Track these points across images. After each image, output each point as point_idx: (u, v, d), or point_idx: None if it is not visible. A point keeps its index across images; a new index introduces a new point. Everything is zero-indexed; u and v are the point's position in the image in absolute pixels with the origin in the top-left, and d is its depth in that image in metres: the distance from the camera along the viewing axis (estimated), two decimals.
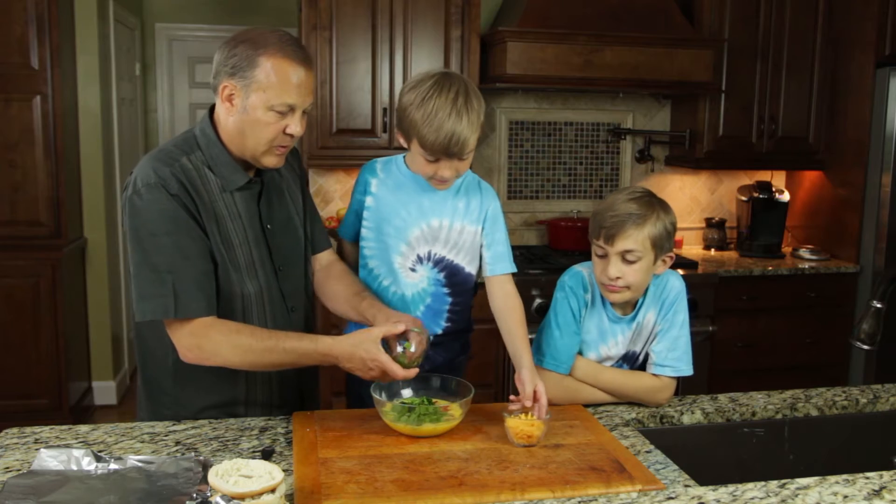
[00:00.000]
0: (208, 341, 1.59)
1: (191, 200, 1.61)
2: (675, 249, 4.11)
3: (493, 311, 1.87)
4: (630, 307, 1.82)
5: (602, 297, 1.81)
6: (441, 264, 1.91)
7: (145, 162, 1.63)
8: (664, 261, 1.77)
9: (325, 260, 1.94)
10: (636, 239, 1.70)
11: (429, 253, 1.90)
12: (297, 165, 1.91)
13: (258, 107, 1.59)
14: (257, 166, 1.70)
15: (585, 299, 1.82)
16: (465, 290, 1.96)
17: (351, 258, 2.05)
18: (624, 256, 1.71)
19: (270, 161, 1.67)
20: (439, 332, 1.95)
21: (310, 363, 1.65)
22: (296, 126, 1.63)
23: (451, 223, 1.89)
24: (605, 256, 1.74)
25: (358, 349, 1.59)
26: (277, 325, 1.74)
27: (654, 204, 1.73)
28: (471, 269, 1.94)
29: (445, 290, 1.94)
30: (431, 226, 1.89)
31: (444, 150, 1.72)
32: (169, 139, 1.75)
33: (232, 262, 1.66)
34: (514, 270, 1.91)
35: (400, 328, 1.63)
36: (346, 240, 2.05)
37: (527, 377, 1.66)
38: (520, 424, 1.56)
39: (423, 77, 1.76)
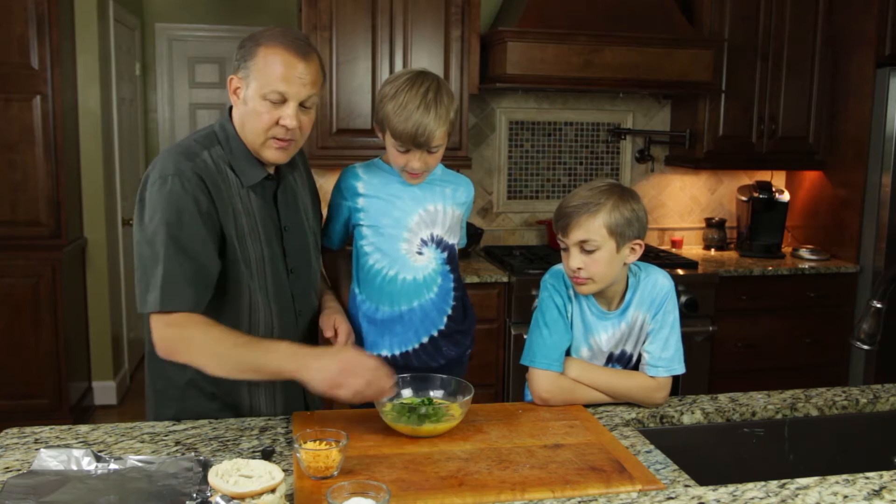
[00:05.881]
0: (182, 334, 1.56)
1: (208, 195, 1.60)
2: (675, 249, 4.15)
3: None
4: (616, 303, 1.81)
5: None
6: (442, 245, 2.01)
7: (166, 156, 1.63)
8: (632, 249, 1.73)
9: None
10: (589, 228, 1.69)
11: (431, 235, 1.99)
12: (307, 171, 1.92)
13: (254, 96, 1.61)
14: (262, 160, 1.70)
15: (568, 294, 1.82)
16: (457, 267, 2.08)
17: (330, 265, 2.11)
18: (582, 247, 1.71)
19: (270, 155, 1.67)
20: (449, 311, 2.02)
21: (283, 369, 1.57)
22: (290, 118, 1.62)
23: (444, 207, 2.00)
24: (566, 249, 1.74)
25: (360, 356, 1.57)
26: (284, 328, 1.74)
27: (612, 193, 1.70)
28: (457, 247, 2.09)
29: (448, 267, 2.03)
30: (428, 210, 1.98)
31: (412, 140, 1.83)
32: (185, 136, 1.75)
33: (244, 259, 1.66)
34: (464, 245, 2.19)
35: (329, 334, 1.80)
36: (331, 248, 2.09)
37: None
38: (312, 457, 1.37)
39: (400, 73, 1.89)
